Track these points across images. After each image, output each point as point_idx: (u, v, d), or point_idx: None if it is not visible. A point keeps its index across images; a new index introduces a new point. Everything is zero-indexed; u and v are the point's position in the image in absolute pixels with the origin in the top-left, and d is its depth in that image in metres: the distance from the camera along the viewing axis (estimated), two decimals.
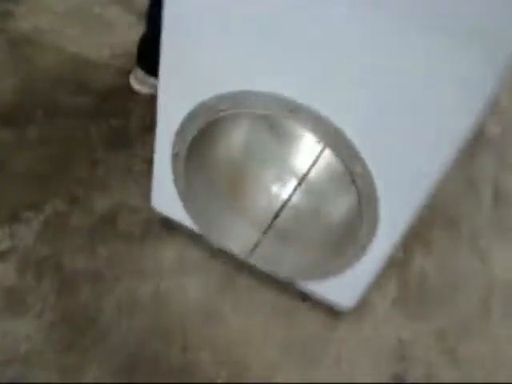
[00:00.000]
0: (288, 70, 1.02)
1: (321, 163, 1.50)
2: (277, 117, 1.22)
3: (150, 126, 1.62)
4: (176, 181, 1.29)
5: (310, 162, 1.53)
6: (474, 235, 1.66)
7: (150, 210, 1.42)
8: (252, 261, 1.35)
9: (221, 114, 1.13)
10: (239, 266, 1.40)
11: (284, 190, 1.52)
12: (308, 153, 1.53)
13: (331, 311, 1.35)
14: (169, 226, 1.44)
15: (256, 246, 1.37)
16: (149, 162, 1.42)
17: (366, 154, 1.05)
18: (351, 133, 1.03)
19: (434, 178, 1.05)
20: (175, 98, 1.17)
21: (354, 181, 1.09)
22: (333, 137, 1.05)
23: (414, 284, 1.48)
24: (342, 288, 1.30)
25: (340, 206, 1.36)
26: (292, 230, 1.43)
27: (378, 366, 1.28)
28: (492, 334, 1.42)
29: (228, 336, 1.27)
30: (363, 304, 1.33)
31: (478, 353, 1.37)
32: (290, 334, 1.31)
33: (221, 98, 1.11)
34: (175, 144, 1.22)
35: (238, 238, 1.38)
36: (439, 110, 0.95)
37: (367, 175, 1.07)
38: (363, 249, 1.20)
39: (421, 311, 1.42)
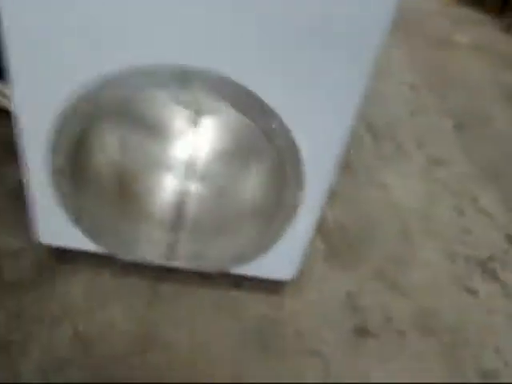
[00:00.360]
0: (173, 32, 0.86)
1: (216, 138, 1.36)
2: (166, 92, 1.07)
3: None
4: (63, 201, 1.07)
5: (199, 141, 1.39)
6: (368, 172, 1.64)
7: (37, 245, 1.17)
8: (174, 263, 1.18)
9: (101, 104, 0.94)
10: (159, 274, 1.22)
11: (179, 181, 1.36)
12: (194, 132, 1.39)
13: (271, 289, 1.23)
14: (65, 256, 1.20)
15: (172, 247, 1.20)
16: (14, 193, 1.19)
17: (279, 108, 0.94)
18: (259, 90, 0.91)
19: (350, 122, 0.97)
20: (39, 102, 0.94)
21: (271, 140, 0.97)
22: (240, 97, 0.92)
23: (336, 235, 1.41)
24: (279, 262, 1.18)
25: (255, 177, 1.23)
26: (206, 219, 1.27)
27: (339, 325, 1.20)
28: (421, 255, 1.41)
29: (180, 355, 1.09)
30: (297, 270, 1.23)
31: (419, 278, 1.35)
32: (240, 327, 1.16)
33: (97, 85, 0.92)
34: (52, 159, 1.00)
35: (150, 246, 1.19)
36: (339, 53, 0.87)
37: (285, 130, 0.96)
38: (292, 214, 1.09)
39: (353, 259, 1.36)
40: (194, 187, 1.37)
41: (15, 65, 0.90)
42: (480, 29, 2.46)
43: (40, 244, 1.17)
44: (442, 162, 1.73)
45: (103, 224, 1.14)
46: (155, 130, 1.43)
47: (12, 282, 1.15)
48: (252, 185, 1.24)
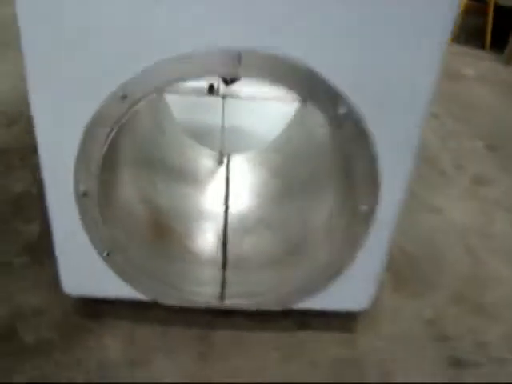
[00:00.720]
0: (226, 13, 0.69)
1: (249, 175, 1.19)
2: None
3: None
4: (91, 232, 0.86)
5: (233, 179, 1.22)
6: (416, 197, 1.44)
7: (61, 299, 0.96)
8: (228, 304, 0.96)
9: (140, 103, 0.76)
10: (210, 320, 0.99)
11: (220, 219, 1.16)
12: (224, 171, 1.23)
13: (341, 326, 1.01)
14: (96, 308, 0.98)
15: (223, 285, 0.98)
16: (31, 247, 1.00)
17: (347, 91, 0.76)
18: (323, 69, 0.74)
19: (427, 108, 0.80)
20: (64, 111, 0.76)
21: (339, 129, 0.79)
22: (302, 78, 0.75)
23: (400, 263, 1.19)
24: (350, 290, 0.96)
25: (317, 193, 1.04)
26: (257, 252, 1.06)
27: (430, 358, 0.97)
28: (494, 274, 1.20)
29: None
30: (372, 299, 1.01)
31: (500, 297, 1.13)
32: (315, 374, 0.92)
33: (133, 82, 0.74)
34: (78, 179, 0.81)
35: (197, 286, 0.97)
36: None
37: (356, 117, 0.78)
38: (366, 226, 0.88)
39: (425, 285, 1.15)
40: (237, 223, 1.18)
41: (34, 70, 0.74)
42: (482, 63, 2.41)
43: (65, 297, 0.95)
44: (485, 182, 1.55)
45: (140, 262, 0.92)
46: (182, 173, 1.27)
47: (33, 344, 0.91)
48: (312, 203, 1.04)
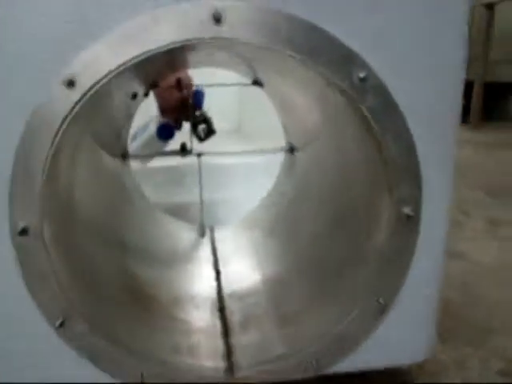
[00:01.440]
0: None
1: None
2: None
3: None
4: (37, 295, 0.59)
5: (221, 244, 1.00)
6: None
7: None
8: (240, 378, 0.67)
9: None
10: None
11: (208, 279, 0.90)
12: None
13: None
14: None
15: (229, 354, 0.70)
16: None
17: (365, 54, 0.57)
18: (330, 27, 0.56)
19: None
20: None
21: (361, 98, 0.58)
22: (310, 38, 0.56)
23: (440, 310, 0.94)
24: (400, 332, 0.68)
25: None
26: (264, 309, 0.80)
27: None
28: None
29: None
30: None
31: None
32: None
33: (81, 63, 0.54)
34: (15, 210, 0.56)
35: (195, 360, 0.68)
36: None
37: (379, 84, 0.58)
38: (412, 230, 0.63)
39: (477, 333, 0.88)
40: (234, 287, 0.92)
41: None
42: None
43: None
44: (496, 223, 1.37)
45: (109, 332, 0.64)
46: (160, 247, 1.02)
47: None
48: (331, 241, 0.80)
